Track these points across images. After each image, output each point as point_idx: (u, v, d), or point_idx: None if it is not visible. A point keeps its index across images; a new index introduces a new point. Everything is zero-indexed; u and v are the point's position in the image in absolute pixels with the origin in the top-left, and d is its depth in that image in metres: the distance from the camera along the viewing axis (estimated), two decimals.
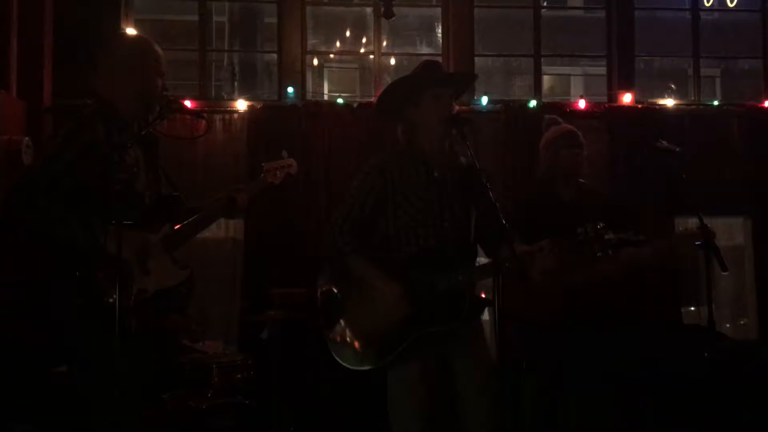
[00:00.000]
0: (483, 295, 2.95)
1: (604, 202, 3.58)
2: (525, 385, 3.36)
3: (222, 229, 5.80)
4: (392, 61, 7.32)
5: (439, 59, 5.77)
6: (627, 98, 5.92)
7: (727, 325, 7.15)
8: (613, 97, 6.07)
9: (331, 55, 10.83)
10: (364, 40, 8.12)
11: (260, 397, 4.32)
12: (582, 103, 5.89)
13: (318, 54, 9.07)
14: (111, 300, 2.39)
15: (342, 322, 2.95)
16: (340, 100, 5.78)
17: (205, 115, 3.47)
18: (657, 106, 5.95)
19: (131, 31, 5.71)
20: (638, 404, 3.55)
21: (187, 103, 5.16)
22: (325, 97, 9.12)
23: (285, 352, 4.60)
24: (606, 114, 5.84)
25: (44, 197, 2.54)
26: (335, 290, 2.99)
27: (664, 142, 3.39)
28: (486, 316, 2.99)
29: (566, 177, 3.55)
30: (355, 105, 5.72)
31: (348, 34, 9.89)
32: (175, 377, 4.07)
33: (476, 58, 6.05)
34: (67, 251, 2.59)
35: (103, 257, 2.48)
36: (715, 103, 6.14)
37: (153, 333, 2.74)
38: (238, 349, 4.90)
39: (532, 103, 5.85)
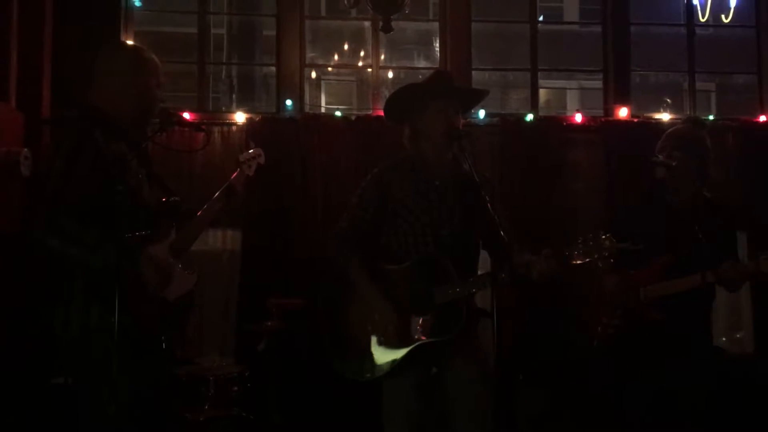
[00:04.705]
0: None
1: (723, 215, 3.38)
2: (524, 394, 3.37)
3: (219, 241, 5.80)
4: (390, 75, 7.35)
5: None
6: (623, 112, 5.95)
7: (723, 339, 7.15)
8: (609, 111, 6.09)
9: (329, 68, 10.88)
10: (362, 54, 8.15)
11: (257, 409, 4.32)
12: (578, 117, 5.92)
13: (316, 67, 9.10)
14: (129, 314, 2.35)
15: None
16: (338, 113, 5.81)
17: (204, 127, 3.49)
18: (653, 120, 5.96)
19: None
20: (630, 416, 3.54)
21: (186, 115, 5.22)
22: (323, 110, 9.16)
23: (282, 364, 4.60)
24: (602, 128, 5.86)
25: (66, 217, 2.45)
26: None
27: (660, 156, 3.41)
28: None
29: (667, 184, 3.37)
30: (352, 117, 5.74)
31: (346, 47, 9.94)
32: (171, 389, 4.07)
33: (473, 72, 6.08)
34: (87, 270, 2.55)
35: (132, 273, 2.45)
36: (710, 117, 6.16)
37: (163, 344, 2.72)
38: (234, 361, 4.89)
39: (529, 117, 5.88)
